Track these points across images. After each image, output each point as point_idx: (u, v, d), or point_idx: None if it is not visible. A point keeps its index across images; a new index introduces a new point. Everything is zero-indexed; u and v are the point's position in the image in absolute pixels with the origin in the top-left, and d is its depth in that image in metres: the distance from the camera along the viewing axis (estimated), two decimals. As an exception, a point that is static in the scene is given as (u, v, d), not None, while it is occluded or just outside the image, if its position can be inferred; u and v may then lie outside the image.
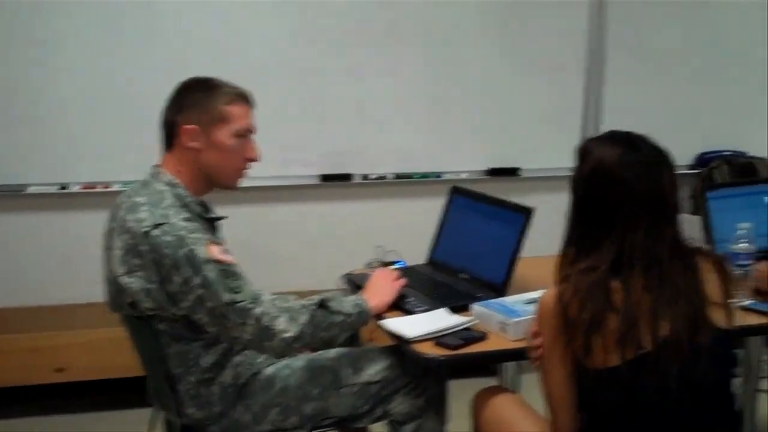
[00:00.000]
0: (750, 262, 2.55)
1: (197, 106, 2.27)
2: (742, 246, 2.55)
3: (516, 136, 4.06)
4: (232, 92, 2.30)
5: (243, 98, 2.32)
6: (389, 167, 3.90)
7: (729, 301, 1.87)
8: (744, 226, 2.57)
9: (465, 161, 4.02)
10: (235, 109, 2.29)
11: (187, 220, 2.19)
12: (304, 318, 2.23)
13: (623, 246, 1.80)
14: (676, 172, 1.88)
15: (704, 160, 4.22)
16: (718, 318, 1.83)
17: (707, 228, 2.78)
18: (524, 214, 2.54)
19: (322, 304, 2.29)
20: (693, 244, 1.94)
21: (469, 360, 2.20)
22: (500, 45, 3.98)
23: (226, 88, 2.31)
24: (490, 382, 2.58)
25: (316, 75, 3.72)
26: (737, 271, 2.53)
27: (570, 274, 1.83)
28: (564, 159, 3.86)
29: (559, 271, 1.88)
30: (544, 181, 4.04)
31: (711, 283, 1.85)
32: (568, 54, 4.06)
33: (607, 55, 4.08)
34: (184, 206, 2.23)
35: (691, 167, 4.28)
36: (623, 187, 1.81)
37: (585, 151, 1.91)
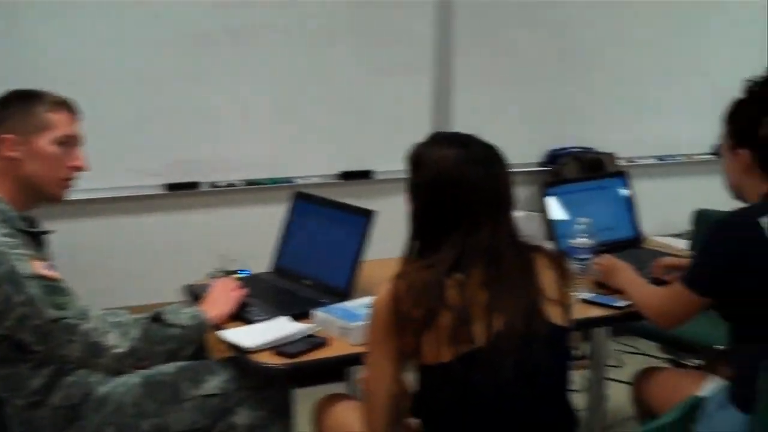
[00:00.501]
0: (589, 256, 2.59)
1: (16, 115, 2.21)
2: (581, 240, 2.58)
3: (367, 138, 4.03)
4: (53, 100, 2.25)
5: (65, 105, 2.27)
6: (238, 174, 3.80)
7: (565, 298, 1.88)
8: (582, 221, 2.61)
9: (316, 165, 3.96)
10: (56, 117, 2.23)
11: (6, 235, 2.10)
12: (136, 332, 2.17)
13: (465, 245, 1.79)
14: (507, 166, 1.88)
15: (553, 157, 4.29)
16: (554, 314, 1.83)
17: (549, 224, 2.81)
18: (365, 216, 2.50)
19: (157, 318, 2.23)
20: (531, 240, 1.95)
21: (311, 367, 2.17)
22: (349, 47, 3.94)
23: (47, 96, 2.25)
24: (342, 388, 2.55)
25: (159, 81, 3.60)
26: (577, 265, 2.57)
27: (407, 271, 1.81)
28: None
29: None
30: (397, 183, 3.99)
31: (548, 280, 1.86)
32: (416, 55, 4.06)
33: (455, 56, 4.10)
34: (5, 221, 2.14)
35: (541, 164, 4.34)
36: (465, 188, 1.81)
37: (418, 157, 1.89)
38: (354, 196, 3.70)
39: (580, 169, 4.18)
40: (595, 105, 4.43)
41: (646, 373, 2.58)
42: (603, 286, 2.61)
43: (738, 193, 2.34)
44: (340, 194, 3.72)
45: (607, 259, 2.63)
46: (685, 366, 3.83)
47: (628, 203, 3.04)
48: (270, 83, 3.82)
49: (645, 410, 2.53)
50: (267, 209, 3.61)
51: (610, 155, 4.32)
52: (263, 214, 3.58)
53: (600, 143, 4.37)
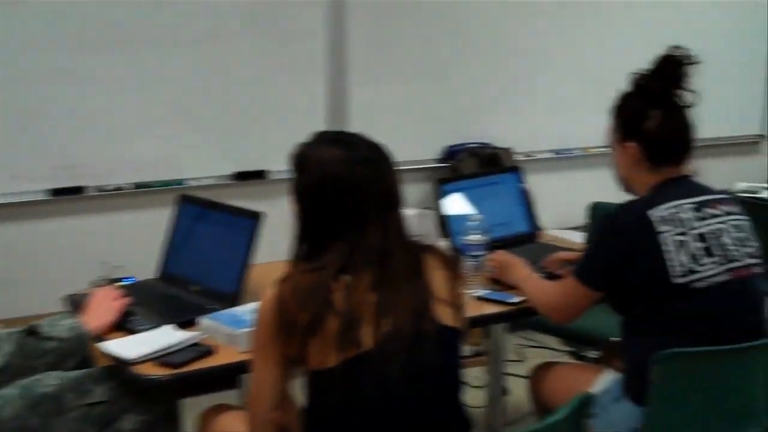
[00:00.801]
0: (483, 252, 2.56)
1: None
2: (474, 237, 2.55)
3: (261, 138, 3.93)
4: None
5: None
6: (127, 177, 3.67)
7: (457, 298, 1.83)
8: (474, 218, 2.57)
9: (209, 166, 3.85)
10: None
11: None
12: (9, 347, 2.07)
13: (354, 247, 1.74)
14: (395, 167, 1.83)
15: (451, 153, 4.27)
16: (444, 315, 1.78)
17: (443, 221, 2.77)
18: (253, 219, 2.42)
19: (32, 331, 2.12)
20: (421, 240, 1.90)
21: (196, 377, 2.08)
22: (241, 46, 3.85)
23: None
24: (234, 396, 2.47)
25: (42, 82, 3.44)
26: (471, 262, 2.54)
27: (292, 274, 1.74)
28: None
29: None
30: (293, 183, 3.95)
31: (439, 280, 1.81)
32: (309, 53, 3.99)
33: (349, 53, 4.04)
34: None
35: (439, 161, 4.32)
36: (351, 189, 1.76)
37: (302, 158, 1.82)
38: (248, 197, 3.64)
39: (478, 164, 4.17)
40: (492, 101, 4.42)
41: (541, 369, 2.57)
42: (498, 282, 2.58)
43: (627, 186, 2.34)
44: (234, 195, 3.66)
45: (501, 255, 2.61)
46: (584, 358, 3.86)
47: (523, 198, 3.03)
48: (160, 84, 3.70)
49: (542, 406, 2.51)
50: (157, 213, 3.48)
51: (507, 150, 4.32)
52: (153, 218, 3.45)
53: (497, 138, 4.36)
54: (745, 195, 3.76)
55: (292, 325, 1.69)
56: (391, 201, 1.80)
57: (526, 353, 4.09)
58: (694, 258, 2.11)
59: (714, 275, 2.12)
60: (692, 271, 2.10)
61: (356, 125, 4.06)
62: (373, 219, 1.75)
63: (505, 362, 3.11)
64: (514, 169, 3.05)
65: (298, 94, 3.99)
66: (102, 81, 3.56)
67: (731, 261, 2.14)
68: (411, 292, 1.75)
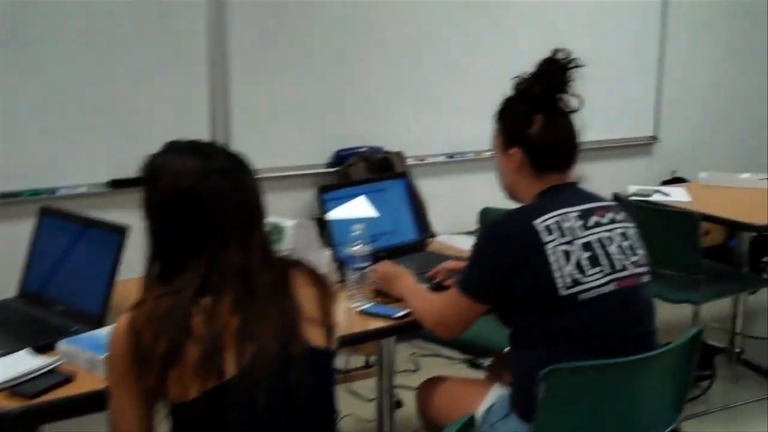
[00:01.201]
0: (367, 264, 2.45)
1: None
2: (357, 248, 2.43)
3: (141, 143, 3.72)
4: None
5: None
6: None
7: (328, 317, 1.71)
8: (357, 228, 2.46)
9: (83, 174, 3.64)
10: None
11: None
12: None
13: (213, 265, 1.60)
14: (254, 174, 1.70)
15: (340, 158, 4.15)
16: (314, 335, 1.66)
17: (327, 231, 2.65)
18: (119, 233, 2.26)
19: None
20: (289, 255, 1.78)
21: (53, 407, 1.90)
22: (120, 45, 3.66)
23: None
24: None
25: None
26: (355, 275, 2.42)
27: (146, 299, 1.59)
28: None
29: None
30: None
31: (308, 299, 1.69)
32: (190, 53, 3.82)
33: (232, 54, 3.90)
34: None
35: (329, 166, 4.20)
36: (207, 203, 1.62)
37: (153, 170, 1.67)
38: (127, 207, 3.44)
39: (368, 169, 4.06)
40: (384, 103, 4.33)
41: (429, 384, 2.47)
42: (384, 294, 2.47)
43: (512, 194, 2.26)
44: (111, 205, 3.49)
45: (385, 266, 2.50)
46: (480, 367, 3.80)
47: (411, 205, 2.92)
48: (29, 86, 3.48)
49: (429, 422, 2.41)
50: (25, 225, 3.28)
51: (398, 154, 4.23)
52: (20, 231, 3.24)
53: (389, 142, 4.27)
54: (636, 198, 3.73)
55: (148, 357, 1.54)
56: (253, 215, 1.67)
57: (421, 362, 4.01)
58: (580, 268, 2.03)
59: (600, 286, 2.05)
60: (578, 282, 2.02)
61: (240, 128, 3.93)
62: (233, 235, 1.62)
63: (395, 374, 3.01)
64: (402, 175, 2.94)
65: (181, 95, 3.83)
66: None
67: (617, 270, 2.08)
68: (277, 312, 1.62)
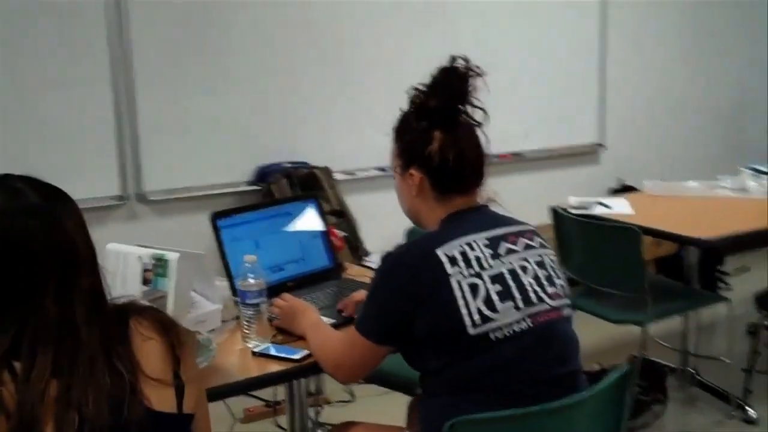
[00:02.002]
0: (261, 300, 2.18)
1: None
2: (249, 282, 2.16)
3: (45, 159, 3.46)
4: None
5: None
6: None
7: (177, 375, 1.44)
8: (249, 259, 2.20)
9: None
10: None
11: None
12: None
13: (25, 322, 1.32)
14: (78, 210, 1.44)
15: (263, 174, 3.89)
16: (157, 398, 1.39)
17: (224, 263, 2.38)
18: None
19: None
20: (129, 302, 1.51)
21: None
22: (23, 57, 3.39)
23: None
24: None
25: None
26: (247, 312, 2.16)
27: None
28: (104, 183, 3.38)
29: None
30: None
31: (151, 354, 1.42)
32: (93, 66, 3.55)
33: (136, 66, 3.63)
34: None
35: (251, 183, 3.93)
36: (16, 249, 1.35)
37: None
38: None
39: (292, 186, 3.80)
40: (310, 115, 4.08)
41: (341, 429, 2.22)
42: (286, 332, 2.21)
43: (416, 220, 2.01)
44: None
45: (285, 300, 2.24)
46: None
47: (323, 229, 2.66)
48: None
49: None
50: None
51: (325, 169, 3.97)
52: None
53: (314, 157, 4.01)
54: (576, 212, 3.49)
55: None
56: (74, 259, 1.40)
57: (357, 390, 3.75)
58: (489, 304, 1.78)
59: (513, 323, 1.80)
60: (488, 319, 1.77)
61: (149, 144, 3.66)
62: (49, 284, 1.35)
63: (331, 404, 2.74)
64: (311, 197, 2.67)
65: (86, 112, 3.56)
66: None
67: (532, 304, 1.83)
68: (107, 374, 1.35)
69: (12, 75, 3.41)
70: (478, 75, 1.90)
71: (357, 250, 3.87)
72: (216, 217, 2.39)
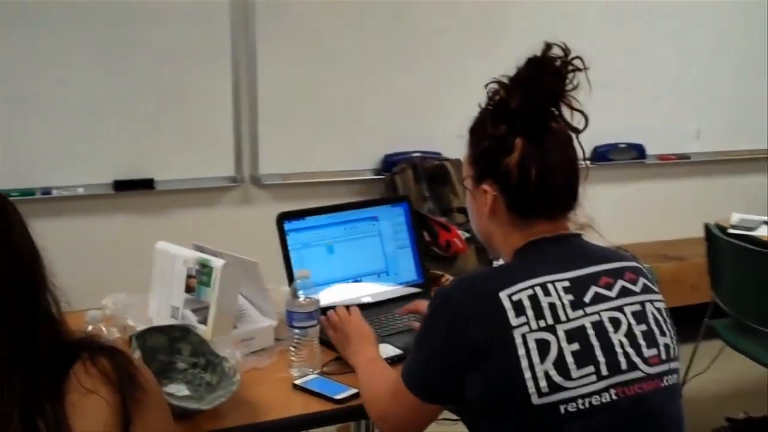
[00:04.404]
0: (311, 323, 1.85)
1: None
2: (299, 302, 1.84)
3: (160, 136, 3.30)
4: None
5: None
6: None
7: None
8: (301, 274, 1.87)
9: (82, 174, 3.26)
10: None
11: None
12: None
13: None
14: (19, 217, 1.18)
15: (389, 164, 3.57)
16: None
17: (288, 273, 2.05)
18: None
19: None
20: (87, 337, 1.22)
21: None
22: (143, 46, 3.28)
23: None
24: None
25: None
26: (296, 335, 1.83)
27: None
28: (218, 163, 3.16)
29: None
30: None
31: (91, 410, 1.11)
32: (213, 43, 3.39)
33: (259, 48, 3.43)
34: None
35: (377, 172, 3.62)
36: None
37: None
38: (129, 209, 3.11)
39: (416, 178, 3.46)
40: (443, 102, 3.67)
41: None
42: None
43: (489, 245, 1.62)
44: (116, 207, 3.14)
45: (340, 316, 1.90)
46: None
47: (411, 238, 2.27)
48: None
49: None
50: None
51: (458, 161, 3.59)
52: None
53: (448, 147, 3.63)
54: (735, 233, 2.96)
55: None
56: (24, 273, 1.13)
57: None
58: (561, 367, 1.38)
59: (592, 393, 1.38)
60: (558, 388, 1.37)
61: (269, 127, 3.44)
62: None
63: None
64: (402, 200, 2.30)
65: (203, 90, 3.40)
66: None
67: (620, 371, 1.40)
68: None
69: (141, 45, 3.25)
70: (578, 69, 1.48)
71: (485, 252, 3.48)
72: (283, 218, 2.07)
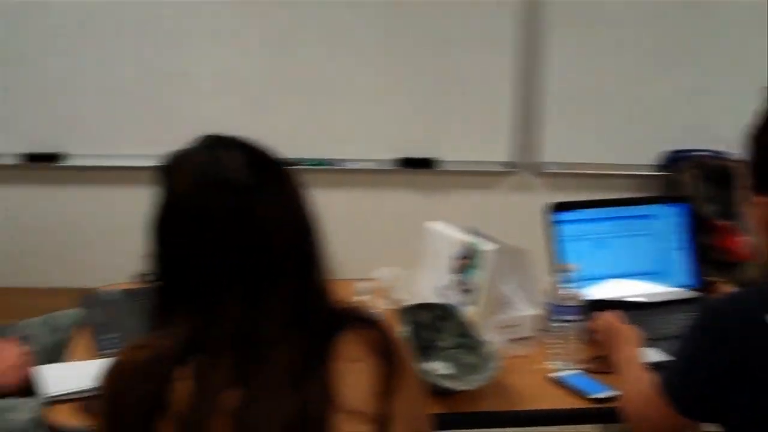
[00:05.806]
0: (576, 317, 1.84)
1: None
2: (566, 294, 1.83)
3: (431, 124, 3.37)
4: None
5: None
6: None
7: (386, 407, 1.18)
8: (570, 267, 1.86)
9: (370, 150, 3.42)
10: None
11: None
12: None
13: (209, 317, 1.15)
14: (296, 193, 1.20)
15: (671, 161, 3.43)
16: None
17: (555, 262, 2.04)
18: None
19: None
20: (356, 308, 1.27)
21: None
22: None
23: None
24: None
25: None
26: (559, 327, 1.83)
27: (136, 345, 1.20)
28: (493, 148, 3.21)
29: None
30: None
31: (356, 379, 1.17)
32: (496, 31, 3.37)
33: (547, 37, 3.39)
34: None
35: (658, 168, 3.50)
36: (204, 229, 1.16)
37: (170, 171, 1.23)
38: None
39: (700, 179, 3.31)
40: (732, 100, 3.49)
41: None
42: (600, 358, 1.85)
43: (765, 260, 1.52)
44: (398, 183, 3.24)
45: (608, 319, 1.87)
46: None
47: (687, 240, 2.19)
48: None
49: None
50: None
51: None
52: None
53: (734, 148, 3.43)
54: None
55: (117, 422, 1.16)
56: (268, 257, 1.18)
57: None
58: None
59: None
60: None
61: (551, 115, 3.41)
62: (235, 284, 1.16)
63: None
64: (682, 200, 2.21)
65: (482, 73, 3.43)
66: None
67: None
68: (289, 395, 1.14)
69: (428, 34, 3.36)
70: None
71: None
72: (556, 208, 2.06)
